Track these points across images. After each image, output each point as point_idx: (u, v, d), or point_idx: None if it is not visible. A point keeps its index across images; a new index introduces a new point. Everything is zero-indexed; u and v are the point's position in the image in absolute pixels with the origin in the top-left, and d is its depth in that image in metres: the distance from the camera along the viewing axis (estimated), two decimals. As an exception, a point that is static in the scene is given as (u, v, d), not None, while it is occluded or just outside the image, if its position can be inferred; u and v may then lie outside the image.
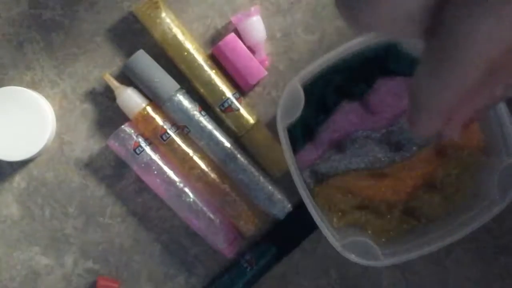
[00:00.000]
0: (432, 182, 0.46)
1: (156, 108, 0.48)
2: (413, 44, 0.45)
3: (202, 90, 0.48)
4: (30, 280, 0.49)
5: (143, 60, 0.47)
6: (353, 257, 0.43)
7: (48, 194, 0.49)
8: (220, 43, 0.47)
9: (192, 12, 0.49)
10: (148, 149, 0.47)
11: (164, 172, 0.47)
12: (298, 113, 0.43)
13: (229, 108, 0.48)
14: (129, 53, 0.49)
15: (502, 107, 0.44)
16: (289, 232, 0.49)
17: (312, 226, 0.49)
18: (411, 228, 0.46)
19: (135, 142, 0.47)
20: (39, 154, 0.48)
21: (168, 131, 0.47)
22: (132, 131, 0.47)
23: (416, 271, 0.50)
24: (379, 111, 0.46)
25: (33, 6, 0.49)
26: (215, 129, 0.48)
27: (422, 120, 0.20)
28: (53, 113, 0.49)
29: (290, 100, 0.43)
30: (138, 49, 0.48)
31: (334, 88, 0.46)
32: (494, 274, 0.51)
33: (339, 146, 0.47)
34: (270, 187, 0.48)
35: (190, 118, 0.47)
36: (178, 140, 0.48)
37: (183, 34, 0.47)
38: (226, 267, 0.50)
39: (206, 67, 0.48)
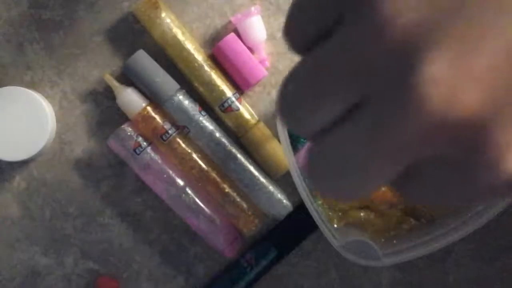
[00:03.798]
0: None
1: (156, 108, 0.48)
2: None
3: (202, 90, 0.48)
4: (30, 280, 0.49)
5: (143, 60, 0.47)
6: (353, 257, 0.43)
7: (48, 194, 0.49)
8: (220, 43, 0.47)
9: (192, 12, 0.49)
10: (148, 149, 0.47)
11: (164, 172, 0.47)
12: (298, 113, 0.43)
13: (229, 108, 0.48)
14: (129, 53, 0.49)
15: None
16: (289, 232, 0.49)
17: (312, 226, 0.49)
18: (411, 228, 0.46)
19: (135, 142, 0.47)
20: (39, 154, 0.48)
21: (168, 131, 0.47)
22: (132, 131, 0.47)
23: (416, 271, 0.50)
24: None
25: (33, 6, 0.49)
26: (215, 129, 0.48)
27: None
28: (53, 113, 0.49)
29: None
30: (138, 49, 0.48)
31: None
32: (494, 274, 0.51)
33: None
34: (270, 187, 0.48)
35: (190, 118, 0.47)
36: (178, 140, 0.48)
37: (183, 34, 0.47)
38: (226, 267, 0.50)
39: (206, 67, 0.48)
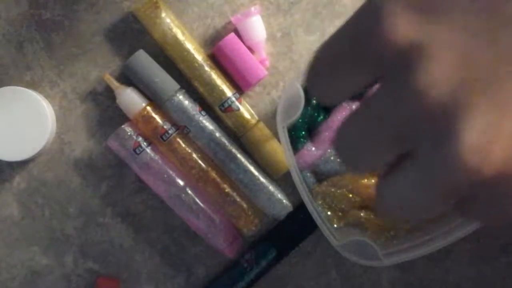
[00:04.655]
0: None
1: (156, 108, 0.48)
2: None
3: (202, 90, 0.48)
4: (30, 280, 0.49)
5: (143, 60, 0.47)
6: (353, 257, 0.43)
7: (48, 194, 0.49)
8: (220, 43, 0.47)
9: (192, 12, 0.49)
10: (148, 149, 0.47)
11: (164, 172, 0.47)
12: (298, 113, 0.43)
13: (229, 108, 0.48)
14: (129, 53, 0.49)
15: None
16: (289, 232, 0.49)
17: (312, 226, 0.49)
18: (411, 228, 0.46)
19: (135, 142, 0.47)
20: (39, 154, 0.48)
21: (168, 131, 0.47)
22: (132, 131, 0.47)
23: (416, 271, 0.50)
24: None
25: (33, 6, 0.49)
26: (215, 129, 0.48)
27: None
28: (53, 113, 0.49)
29: (290, 100, 0.43)
30: (138, 49, 0.48)
31: (334, 88, 0.46)
32: (494, 274, 0.51)
33: (339, 146, 0.47)
34: (270, 187, 0.48)
35: (190, 118, 0.47)
36: (178, 140, 0.48)
37: (183, 34, 0.47)
38: (226, 267, 0.50)
39: (206, 67, 0.48)
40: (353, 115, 0.22)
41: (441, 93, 0.20)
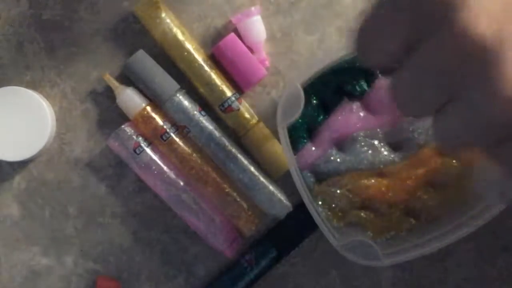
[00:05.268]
0: (432, 182, 0.46)
1: (156, 108, 0.48)
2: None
3: (202, 90, 0.48)
4: (30, 280, 0.49)
5: (143, 60, 0.47)
6: (353, 257, 0.43)
7: (48, 194, 0.49)
8: (220, 43, 0.47)
9: (192, 12, 0.49)
10: (148, 149, 0.47)
11: (164, 172, 0.47)
12: (298, 113, 0.43)
13: (229, 108, 0.48)
14: (129, 53, 0.49)
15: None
16: (289, 232, 0.49)
17: (312, 226, 0.49)
18: (411, 228, 0.46)
19: (135, 142, 0.47)
20: (39, 154, 0.48)
21: (168, 131, 0.47)
22: (132, 131, 0.47)
23: (416, 271, 0.50)
24: (379, 111, 0.46)
25: (33, 6, 0.49)
26: (215, 129, 0.48)
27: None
28: (53, 113, 0.49)
29: (290, 100, 0.43)
30: (138, 49, 0.48)
31: (334, 88, 0.46)
32: (494, 274, 0.51)
33: (339, 146, 0.47)
34: (270, 187, 0.48)
35: (190, 118, 0.47)
36: (178, 140, 0.48)
37: (183, 34, 0.47)
38: (226, 267, 0.50)
39: (206, 67, 0.48)
40: (403, 67, 0.24)
41: (484, 29, 0.21)
